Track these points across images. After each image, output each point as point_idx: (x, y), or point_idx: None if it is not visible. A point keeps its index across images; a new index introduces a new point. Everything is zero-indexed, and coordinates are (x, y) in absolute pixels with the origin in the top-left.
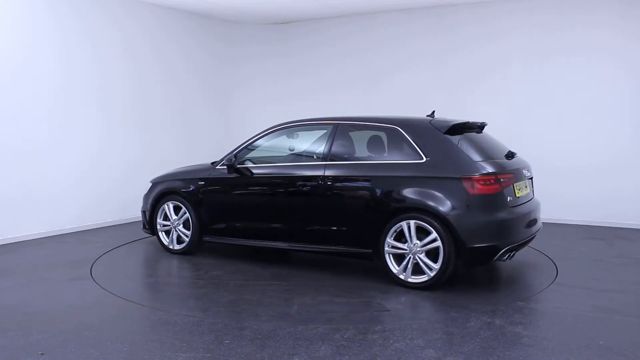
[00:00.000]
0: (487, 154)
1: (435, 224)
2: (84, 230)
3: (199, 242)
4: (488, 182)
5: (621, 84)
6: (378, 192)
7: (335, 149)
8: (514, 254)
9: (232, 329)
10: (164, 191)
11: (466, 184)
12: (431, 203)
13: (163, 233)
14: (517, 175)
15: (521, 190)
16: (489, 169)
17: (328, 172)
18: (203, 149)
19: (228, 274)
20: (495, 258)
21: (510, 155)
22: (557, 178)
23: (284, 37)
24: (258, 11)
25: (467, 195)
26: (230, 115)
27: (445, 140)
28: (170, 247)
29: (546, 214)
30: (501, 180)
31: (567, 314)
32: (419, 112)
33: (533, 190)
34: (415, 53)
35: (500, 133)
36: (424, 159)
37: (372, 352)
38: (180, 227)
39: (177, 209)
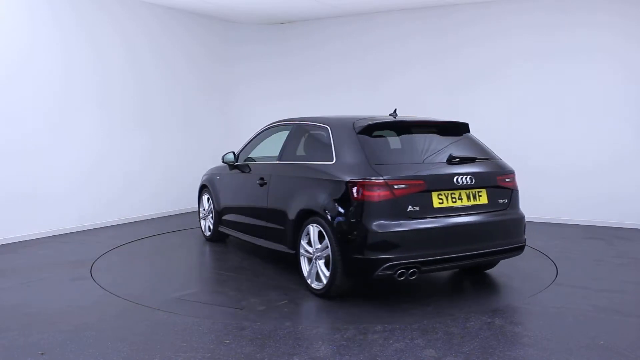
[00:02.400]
0: (404, 157)
1: (329, 229)
2: (84, 230)
3: (216, 231)
4: (375, 188)
5: (621, 84)
6: (296, 193)
7: (286, 149)
8: (414, 272)
9: (232, 329)
10: (201, 185)
11: (352, 189)
12: (324, 207)
13: (201, 221)
14: (439, 182)
15: (450, 201)
16: (381, 174)
17: (272, 172)
18: (203, 147)
19: (228, 272)
20: (376, 273)
21: (455, 159)
22: (557, 178)
23: (284, 36)
24: (258, 11)
25: (352, 201)
26: (230, 115)
27: (354, 141)
28: (205, 234)
29: (546, 214)
30: (394, 187)
31: (567, 314)
32: (418, 112)
33: (501, 202)
34: (414, 53)
35: (500, 133)
36: (334, 161)
37: (372, 352)
38: (209, 217)
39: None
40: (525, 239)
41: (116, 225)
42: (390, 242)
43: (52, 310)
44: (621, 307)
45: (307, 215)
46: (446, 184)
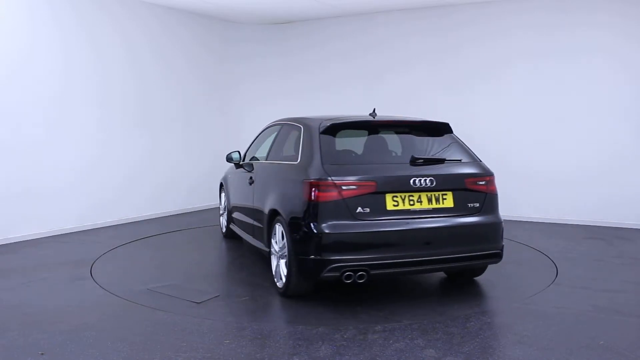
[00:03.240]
0: (364, 158)
1: (286, 229)
2: (84, 230)
3: (228, 228)
4: (322, 189)
5: (621, 84)
6: (269, 192)
7: (272, 148)
8: (363, 275)
9: (232, 329)
10: (220, 182)
11: (303, 189)
12: (282, 207)
13: (220, 217)
14: (394, 184)
15: (407, 203)
16: (330, 174)
17: (257, 171)
18: (203, 147)
19: (218, 267)
20: (323, 274)
21: (418, 160)
22: (557, 177)
23: (284, 36)
24: (258, 11)
25: (303, 201)
26: (230, 114)
27: (315, 141)
28: (222, 230)
29: (546, 214)
30: (343, 188)
31: (567, 314)
32: (417, 112)
33: (472, 206)
34: (414, 53)
35: (500, 132)
36: (298, 161)
37: (372, 352)
38: (224, 215)
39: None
40: (502, 246)
41: (116, 225)
42: (336, 244)
43: (52, 310)
44: (621, 307)
45: (275, 214)
46: (402, 186)
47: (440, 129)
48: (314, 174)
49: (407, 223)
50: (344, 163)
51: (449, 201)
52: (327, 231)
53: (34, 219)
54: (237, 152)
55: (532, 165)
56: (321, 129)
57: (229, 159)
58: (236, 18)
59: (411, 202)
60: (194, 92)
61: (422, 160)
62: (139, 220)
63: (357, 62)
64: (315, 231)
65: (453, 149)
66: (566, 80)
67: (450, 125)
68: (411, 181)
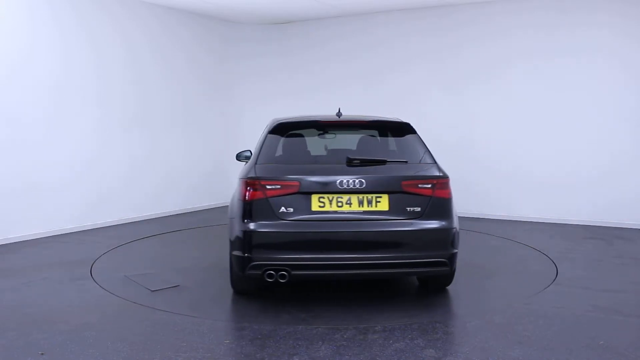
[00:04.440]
0: (300, 158)
1: (228, 226)
2: (84, 230)
3: None
4: (249, 188)
5: (621, 85)
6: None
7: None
8: (284, 275)
9: (232, 329)
10: None
11: (240, 188)
12: (230, 205)
13: None
14: (320, 185)
15: (335, 205)
16: (257, 173)
17: None
18: (203, 147)
19: (203, 264)
20: (246, 272)
21: (354, 161)
22: (556, 177)
23: (284, 36)
24: (258, 11)
25: (239, 199)
26: (230, 114)
27: (261, 140)
28: None
29: (546, 214)
30: (267, 187)
31: (567, 314)
32: (417, 112)
33: (412, 210)
34: (414, 53)
35: (500, 132)
36: (254, 160)
37: (372, 352)
38: None
39: None
40: (451, 254)
41: (116, 225)
42: (257, 243)
43: (52, 310)
44: (621, 307)
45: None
46: (329, 187)
47: (401, 129)
48: (247, 174)
49: (332, 225)
50: (276, 163)
51: (383, 204)
52: (250, 230)
53: (34, 219)
54: (248, 151)
55: (532, 165)
56: (270, 129)
57: (239, 157)
58: (236, 18)
59: (339, 204)
60: (194, 92)
61: (358, 161)
62: (139, 220)
63: (357, 62)
64: (240, 229)
65: (407, 150)
66: (566, 80)
67: (412, 124)
68: (338, 182)
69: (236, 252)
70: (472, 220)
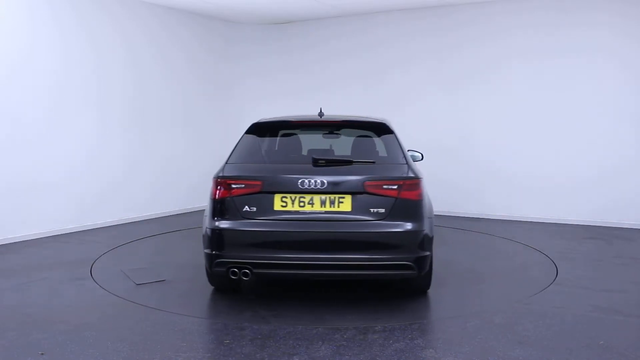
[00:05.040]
0: (269, 158)
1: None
2: (84, 230)
3: None
4: (217, 187)
5: (621, 84)
6: None
7: None
8: (248, 274)
9: (232, 329)
10: None
11: (212, 187)
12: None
13: None
14: (282, 184)
15: (297, 205)
16: (225, 172)
17: None
18: (204, 147)
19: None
20: (213, 269)
21: (320, 161)
22: (556, 177)
23: (284, 36)
24: (258, 11)
25: (209, 198)
26: (230, 114)
27: (238, 140)
28: None
29: (546, 214)
30: (232, 186)
31: (567, 314)
32: (417, 112)
33: (376, 212)
34: (414, 52)
35: (500, 132)
36: (226, 160)
37: (372, 352)
38: None
39: None
40: (417, 258)
41: (116, 225)
42: (222, 241)
43: (52, 310)
44: (621, 307)
45: None
46: (291, 186)
47: (377, 129)
48: (217, 173)
49: (294, 225)
50: (246, 162)
51: (346, 205)
52: (215, 228)
53: (34, 219)
54: None
55: (531, 164)
56: (247, 129)
57: None
58: (236, 18)
59: (301, 204)
60: (194, 92)
61: (323, 161)
62: (139, 220)
63: (357, 62)
64: (208, 227)
65: (380, 150)
66: (566, 80)
67: (389, 124)
68: (299, 182)
69: (205, 249)
70: (472, 220)
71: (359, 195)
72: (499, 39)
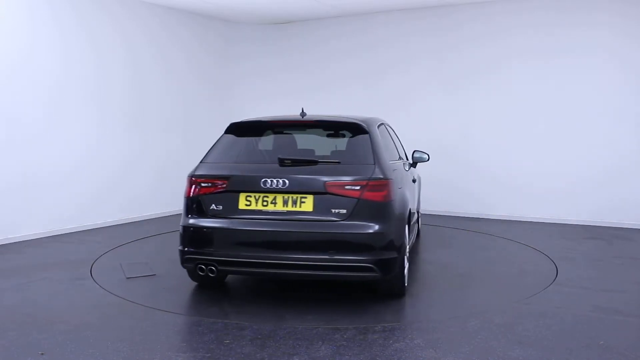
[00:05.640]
0: (239, 157)
1: None
2: (84, 230)
3: None
4: (189, 185)
5: (621, 85)
6: None
7: None
8: (213, 269)
9: (232, 329)
10: None
11: (186, 185)
12: None
13: None
14: (246, 184)
15: (260, 204)
16: (196, 171)
17: None
18: (204, 147)
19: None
20: (183, 264)
21: (286, 161)
22: (556, 177)
23: (284, 36)
24: (258, 11)
25: (184, 196)
26: (230, 114)
27: (218, 139)
28: None
29: (547, 213)
30: (201, 184)
31: (567, 314)
32: (417, 111)
33: (337, 212)
34: (414, 52)
35: (500, 132)
36: (202, 159)
37: (372, 352)
38: None
39: None
40: (379, 260)
41: (116, 225)
42: (190, 238)
43: (52, 310)
44: (621, 307)
45: None
46: (255, 186)
47: (352, 129)
48: (191, 171)
49: (256, 224)
50: (217, 162)
51: (307, 205)
52: (185, 225)
53: (34, 219)
54: None
55: (531, 164)
56: (226, 129)
57: None
58: (236, 18)
59: (265, 203)
60: (193, 92)
61: (289, 161)
62: (140, 220)
63: (357, 62)
64: (180, 224)
65: (351, 150)
66: (566, 80)
67: (366, 125)
68: (261, 182)
69: (180, 247)
70: (472, 220)
71: (321, 196)
72: (499, 39)
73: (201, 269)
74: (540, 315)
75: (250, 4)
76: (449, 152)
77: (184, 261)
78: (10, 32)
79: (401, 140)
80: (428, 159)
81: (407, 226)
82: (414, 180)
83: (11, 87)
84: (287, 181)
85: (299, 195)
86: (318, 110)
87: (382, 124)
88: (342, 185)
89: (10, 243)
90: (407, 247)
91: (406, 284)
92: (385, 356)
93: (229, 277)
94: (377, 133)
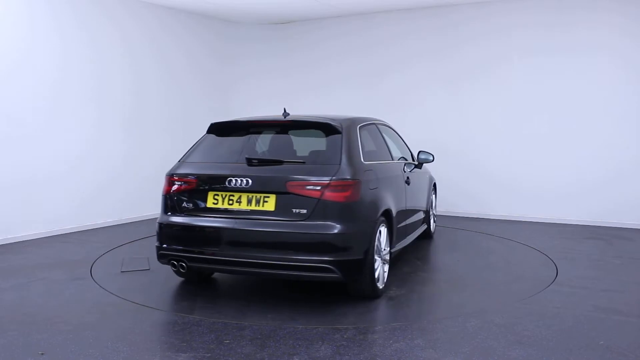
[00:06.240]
0: (214, 157)
1: None
2: (84, 230)
3: None
4: (166, 183)
5: (622, 84)
6: None
7: None
8: (183, 265)
9: (232, 329)
10: None
11: (164, 183)
12: None
13: None
14: (214, 182)
15: (226, 202)
16: (174, 170)
17: None
18: None
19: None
20: (159, 260)
21: (253, 161)
22: (556, 177)
23: (284, 36)
24: (258, 11)
25: (162, 193)
26: (230, 114)
27: (199, 139)
28: None
29: (547, 213)
30: (176, 183)
31: (567, 314)
32: (417, 111)
33: (298, 212)
34: (414, 52)
35: (500, 132)
36: (180, 158)
37: (372, 352)
38: None
39: None
40: (339, 261)
41: (116, 225)
42: (163, 234)
43: (52, 310)
44: (621, 307)
45: None
46: (221, 185)
47: (324, 129)
48: (168, 170)
49: (221, 222)
50: (193, 161)
51: (270, 204)
52: (160, 222)
53: (34, 219)
54: None
55: (531, 164)
56: (207, 129)
57: None
58: (236, 18)
59: (230, 202)
60: (193, 91)
61: (256, 161)
62: (140, 220)
63: (356, 62)
64: (157, 221)
65: (321, 150)
66: (567, 79)
67: (338, 125)
68: (227, 181)
69: (156, 242)
70: (472, 220)
71: (282, 195)
72: (498, 38)
73: (173, 265)
74: (540, 315)
75: (250, 4)
76: (449, 151)
77: (159, 257)
78: (9, 32)
79: (403, 140)
80: (433, 160)
81: (383, 228)
82: (407, 182)
83: (10, 86)
84: (250, 180)
85: (262, 195)
86: (318, 110)
87: (371, 124)
88: (303, 185)
89: (9, 243)
90: (387, 248)
91: (381, 286)
92: (385, 356)
93: (231, 278)
94: (354, 133)
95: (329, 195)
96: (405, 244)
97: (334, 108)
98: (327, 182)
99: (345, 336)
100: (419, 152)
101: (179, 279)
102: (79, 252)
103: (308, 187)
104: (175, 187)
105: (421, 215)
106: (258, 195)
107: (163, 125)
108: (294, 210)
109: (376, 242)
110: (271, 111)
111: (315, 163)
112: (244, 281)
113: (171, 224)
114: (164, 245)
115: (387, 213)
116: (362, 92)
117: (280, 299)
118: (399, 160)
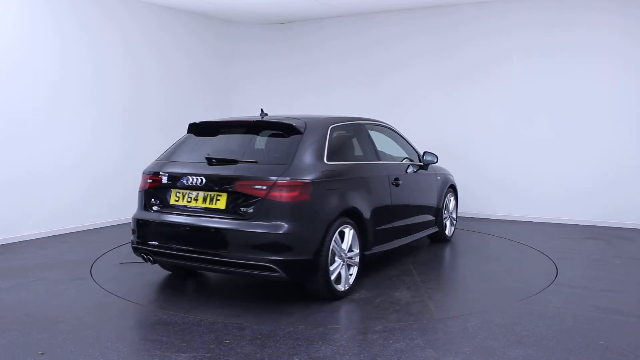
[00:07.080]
0: (185, 156)
1: None
2: (84, 230)
3: None
4: (142, 180)
5: (623, 84)
6: None
7: None
8: (151, 259)
9: (232, 329)
10: None
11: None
12: None
13: None
14: (175, 180)
15: (185, 200)
16: (149, 167)
17: None
18: None
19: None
20: (135, 253)
21: (212, 160)
22: (556, 177)
23: (284, 36)
24: (258, 11)
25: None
26: (230, 114)
27: (179, 139)
28: None
29: (547, 213)
30: (148, 180)
31: (567, 314)
32: (417, 111)
33: (244, 211)
34: (414, 52)
35: (500, 131)
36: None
37: (372, 352)
38: None
39: None
40: (282, 261)
41: (116, 225)
42: (135, 229)
43: (52, 310)
44: (621, 307)
45: None
46: (180, 183)
47: (286, 130)
48: (146, 169)
49: (179, 218)
50: (166, 160)
51: (221, 202)
52: (134, 217)
53: (34, 219)
54: None
55: (531, 164)
56: (187, 129)
57: None
58: (236, 18)
59: (189, 200)
60: (193, 91)
61: (215, 161)
62: None
63: (356, 62)
64: (132, 216)
65: (278, 150)
66: (566, 79)
67: (299, 126)
68: (184, 179)
69: (132, 237)
70: (472, 220)
71: (233, 194)
72: (499, 38)
73: (144, 258)
74: (540, 315)
75: (250, 4)
76: (449, 151)
77: (133, 250)
78: (9, 32)
79: (408, 141)
80: (437, 161)
81: (348, 229)
82: (395, 183)
83: (10, 86)
84: (204, 179)
85: (215, 194)
86: (318, 110)
87: (356, 124)
88: (250, 185)
89: (9, 243)
90: (356, 250)
91: (342, 288)
92: (385, 356)
93: (231, 278)
94: (318, 134)
95: (274, 195)
96: (393, 247)
97: (334, 108)
98: (273, 182)
99: (345, 336)
100: (424, 152)
101: (179, 279)
102: (79, 252)
103: (255, 187)
104: (147, 185)
105: (424, 217)
106: (212, 193)
107: (163, 125)
108: (241, 209)
109: (332, 244)
110: (271, 111)
111: (267, 163)
112: (244, 281)
113: (142, 219)
114: (137, 239)
115: (353, 214)
116: (362, 92)
117: (280, 299)
118: (402, 160)
